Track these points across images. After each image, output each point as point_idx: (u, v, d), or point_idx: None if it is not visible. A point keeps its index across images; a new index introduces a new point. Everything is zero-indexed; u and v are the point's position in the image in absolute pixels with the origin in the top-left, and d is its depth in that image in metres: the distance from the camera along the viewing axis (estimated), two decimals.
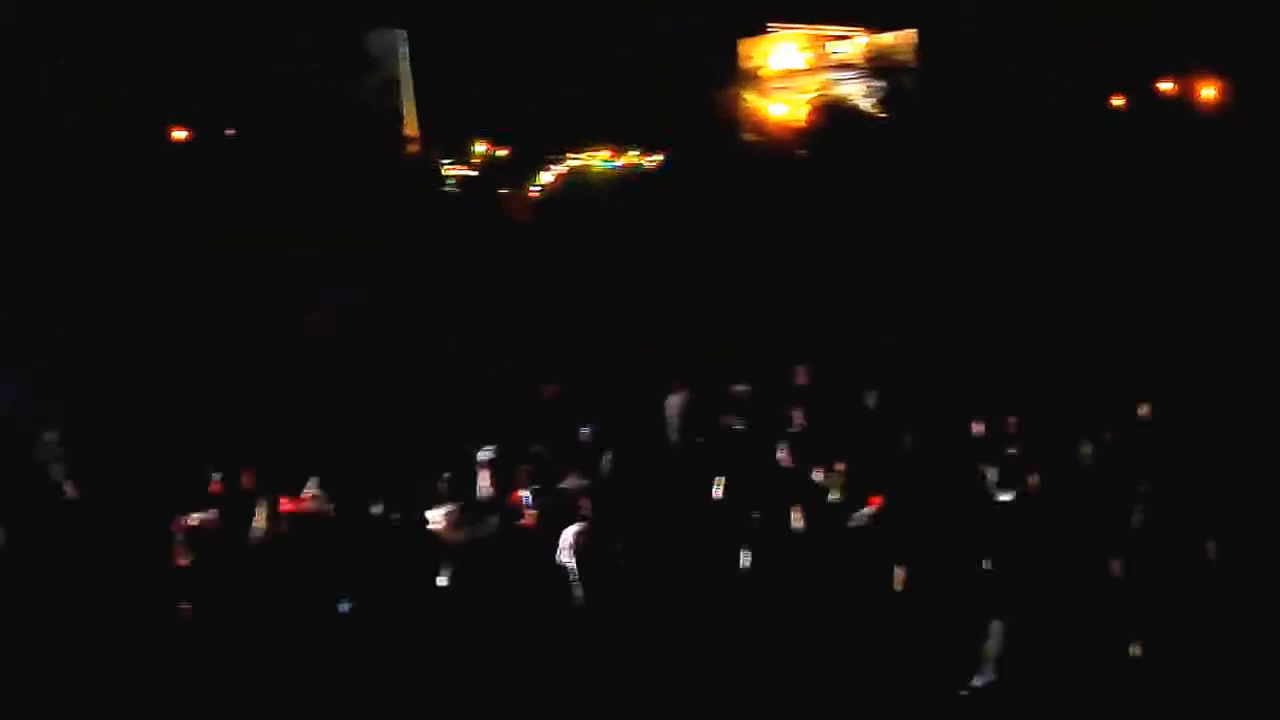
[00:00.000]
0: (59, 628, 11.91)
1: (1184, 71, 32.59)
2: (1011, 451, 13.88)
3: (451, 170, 41.67)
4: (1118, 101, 33.04)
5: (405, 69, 40.46)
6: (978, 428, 14.67)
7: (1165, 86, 32.41)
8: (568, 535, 12.25)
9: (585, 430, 16.36)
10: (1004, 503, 12.74)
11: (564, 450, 15.57)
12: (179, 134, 32.00)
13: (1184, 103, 32.50)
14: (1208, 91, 32.30)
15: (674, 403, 17.13)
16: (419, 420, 18.07)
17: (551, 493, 13.45)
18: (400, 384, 20.85)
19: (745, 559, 12.34)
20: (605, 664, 11.49)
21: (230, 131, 33.25)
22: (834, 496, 12.82)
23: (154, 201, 28.32)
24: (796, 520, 12.39)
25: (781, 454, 13.99)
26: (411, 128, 40.67)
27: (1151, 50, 31.78)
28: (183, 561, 12.20)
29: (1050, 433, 14.50)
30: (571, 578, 12.16)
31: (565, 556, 12.22)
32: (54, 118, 28.40)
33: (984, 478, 13.29)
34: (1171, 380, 16.29)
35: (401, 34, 40.12)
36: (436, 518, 12.73)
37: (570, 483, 13.59)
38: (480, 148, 42.34)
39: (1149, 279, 23.24)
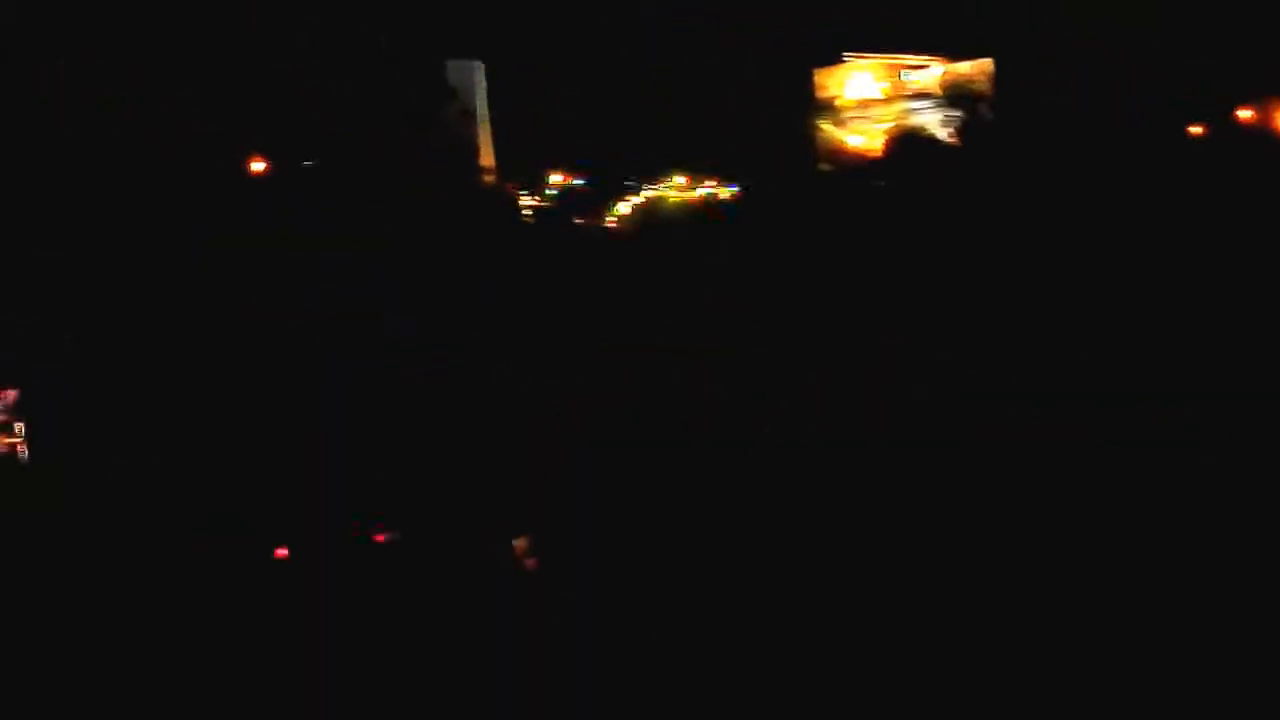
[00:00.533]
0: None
1: (1266, 99, 32.19)
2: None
3: (527, 201, 41.76)
4: (1196, 130, 32.63)
5: (482, 100, 40.64)
6: None
7: (1246, 114, 31.98)
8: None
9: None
10: None
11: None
12: (258, 165, 32.26)
13: (1267, 131, 32.07)
14: None
15: None
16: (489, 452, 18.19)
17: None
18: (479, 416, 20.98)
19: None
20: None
21: (308, 162, 33.47)
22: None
23: (236, 232, 28.56)
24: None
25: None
26: (488, 159, 40.84)
27: (1232, 78, 31.41)
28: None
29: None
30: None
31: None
32: (152, 153, 28.68)
33: None
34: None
35: (479, 65, 40.32)
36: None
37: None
38: (556, 178, 42.43)
39: (1232, 312, 22.95)
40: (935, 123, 39.64)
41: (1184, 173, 30.02)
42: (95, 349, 23.77)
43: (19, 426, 21.60)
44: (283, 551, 13.42)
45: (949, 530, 12.96)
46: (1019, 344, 23.02)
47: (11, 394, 21.80)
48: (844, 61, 41.73)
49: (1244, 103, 32.48)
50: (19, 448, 21.52)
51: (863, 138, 40.82)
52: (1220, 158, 30.82)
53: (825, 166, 40.41)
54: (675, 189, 42.79)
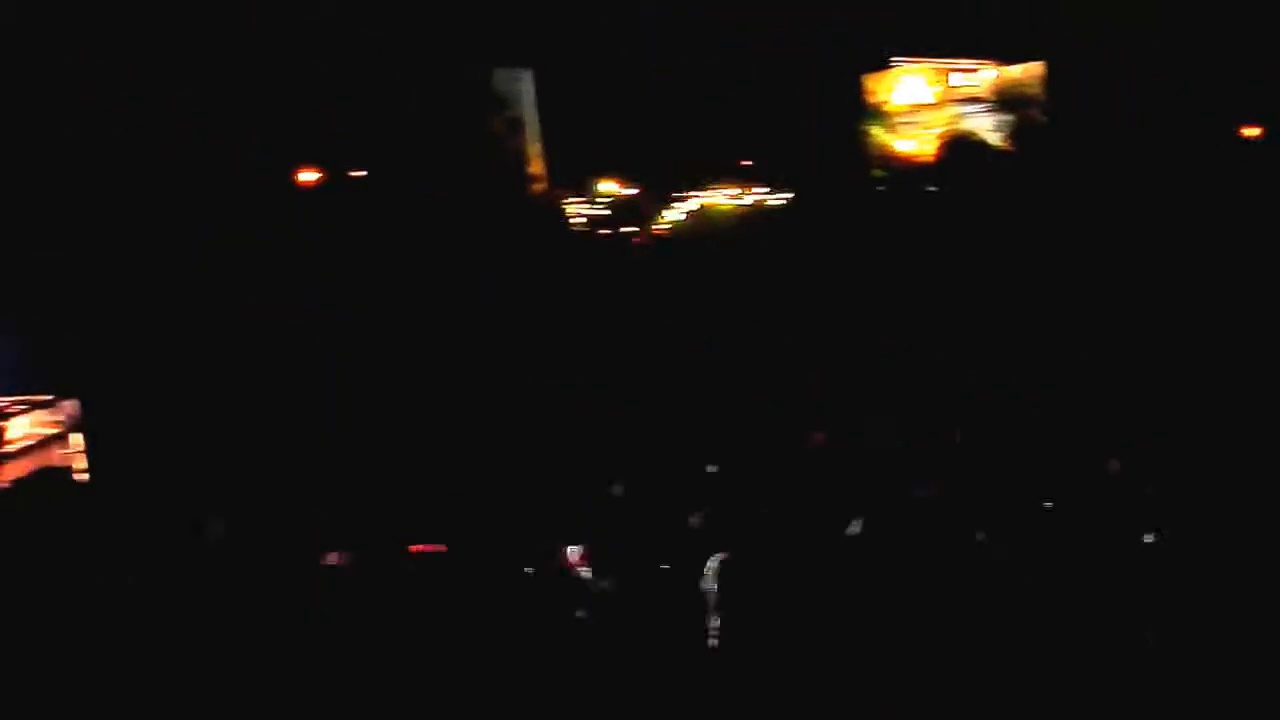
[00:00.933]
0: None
1: None
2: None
3: (577, 209, 41.81)
4: (1251, 132, 32.32)
5: (530, 108, 40.68)
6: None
7: None
8: (712, 563, 12.22)
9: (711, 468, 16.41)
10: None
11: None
12: (308, 175, 32.43)
13: None
14: None
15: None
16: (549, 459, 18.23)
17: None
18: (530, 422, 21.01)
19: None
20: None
21: (358, 172, 33.62)
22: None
23: (286, 243, 28.72)
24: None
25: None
26: (537, 167, 40.89)
27: None
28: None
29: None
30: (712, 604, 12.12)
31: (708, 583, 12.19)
32: (207, 164, 28.88)
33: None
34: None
35: (527, 73, 40.38)
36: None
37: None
38: (606, 186, 42.43)
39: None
40: (987, 127, 39.46)
41: (1237, 175, 29.76)
42: (155, 360, 23.94)
43: (75, 439, 21.64)
44: (334, 558, 13.40)
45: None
46: (1070, 351, 22.85)
47: (70, 405, 21.83)
48: (893, 66, 41.54)
49: None
50: (75, 460, 21.56)
51: (914, 143, 40.65)
52: (1274, 163, 30.52)
53: (876, 172, 40.29)
54: (726, 196, 42.78)
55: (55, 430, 21.55)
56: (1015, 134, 37.84)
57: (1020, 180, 34.18)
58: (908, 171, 39.67)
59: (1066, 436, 16.41)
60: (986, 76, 40.03)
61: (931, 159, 39.41)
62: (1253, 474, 13.76)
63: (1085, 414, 17.81)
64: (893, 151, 41.04)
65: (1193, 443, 15.34)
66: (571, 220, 41.28)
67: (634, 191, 42.27)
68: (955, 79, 40.60)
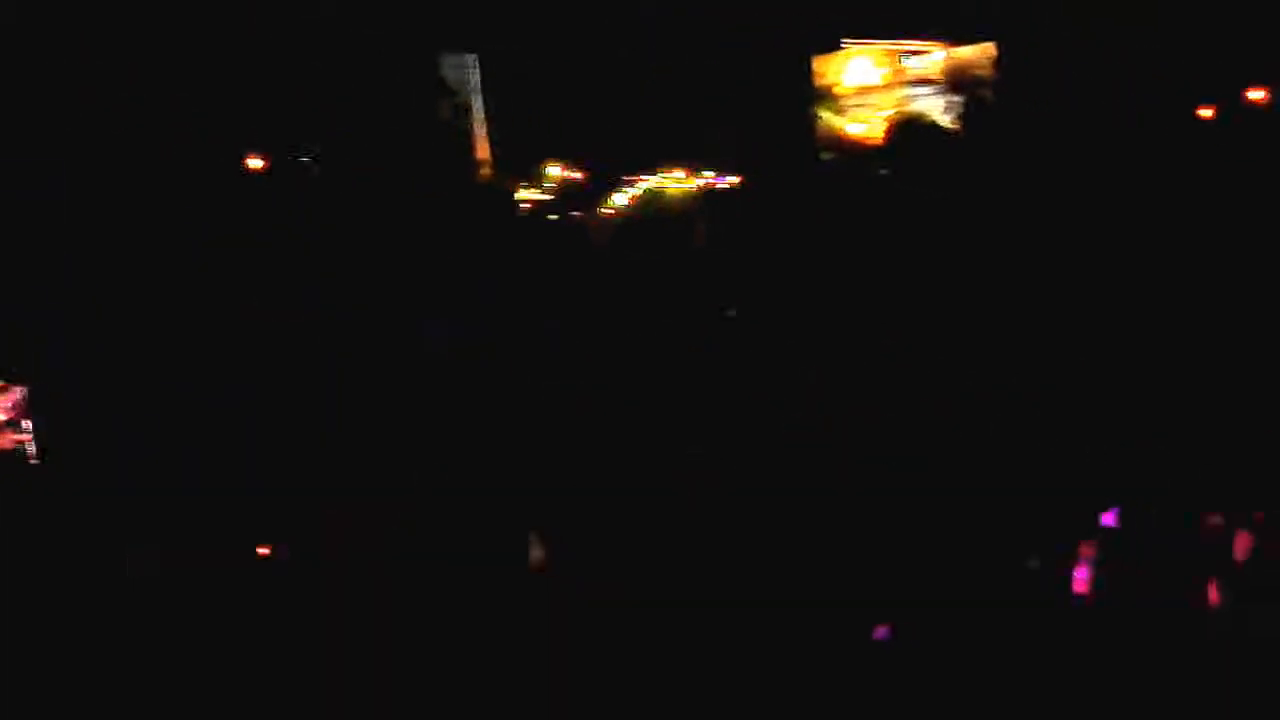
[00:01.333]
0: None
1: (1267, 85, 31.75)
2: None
3: (525, 194, 41.51)
4: (1205, 113, 32.24)
5: (476, 93, 40.36)
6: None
7: (1256, 96, 31.53)
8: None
9: None
10: None
11: None
12: (255, 161, 32.03)
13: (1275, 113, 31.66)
14: None
15: None
16: None
17: None
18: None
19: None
20: None
21: (304, 158, 33.28)
22: None
23: (231, 229, 28.41)
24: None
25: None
26: (483, 152, 40.58)
27: (1242, 59, 30.96)
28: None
29: None
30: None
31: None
32: (151, 148, 28.51)
33: None
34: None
35: (472, 58, 40.04)
36: None
37: None
38: (554, 170, 42.10)
39: (1237, 296, 22.72)
40: (937, 109, 39.27)
41: (1189, 159, 29.73)
42: (104, 345, 23.75)
43: (26, 424, 21.73)
44: (266, 550, 13.27)
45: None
46: (1021, 338, 22.78)
47: (19, 391, 21.92)
48: (843, 48, 41.29)
49: (1250, 86, 32.04)
50: (27, 444, 21.63)
51: (864, 125, 40.42)
52: (1227, 144, 30.49)
53: (826, 155, 40.05)
54: (674, 180, 42.49)
55: (7, 417, 21.65)
56: (965, 115, 37.67)
57: (971, 162, 34.05)
58: (857, 154, 39.47)
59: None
60: (936, 58, 39.85)
61: (881, 141, 39.20)
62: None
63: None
64: (842, 134, 40.81)
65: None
66: (519, 205, 41.00)
67: (581, 175, 42.00)
68: (906, 61, 40.41)
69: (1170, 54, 31.52)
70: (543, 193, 41.93)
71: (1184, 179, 28.34)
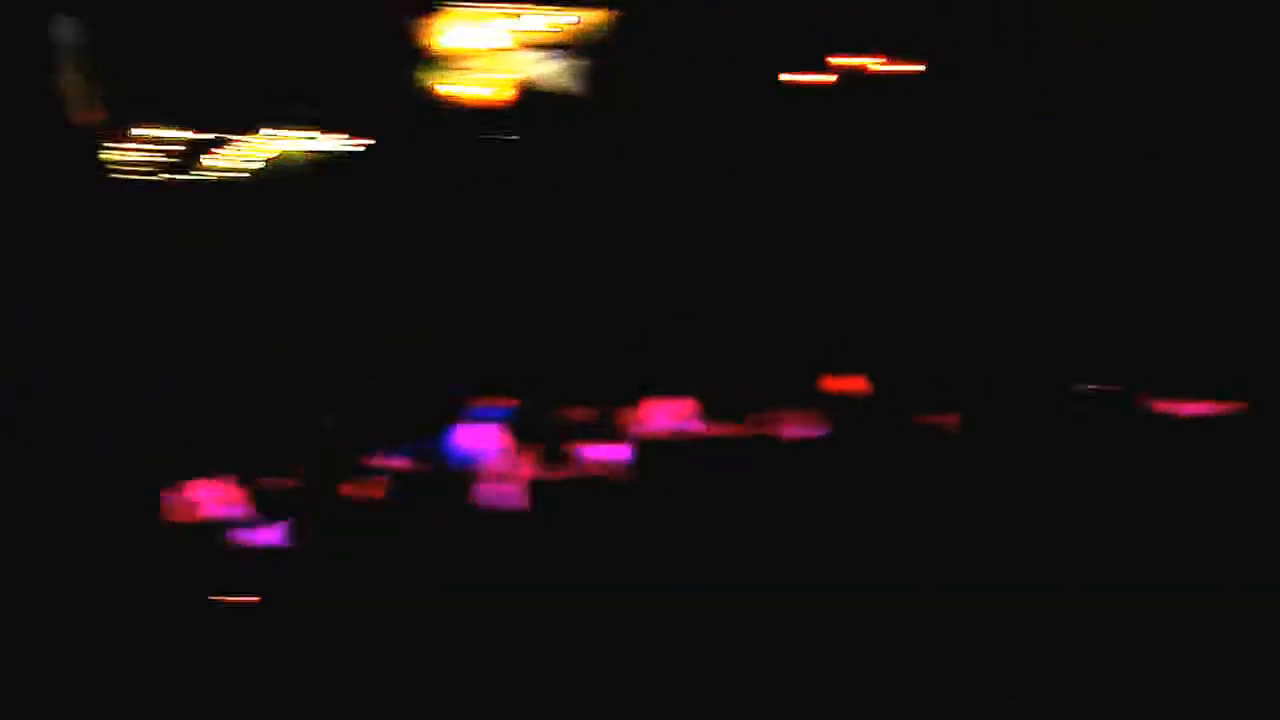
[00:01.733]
0: None
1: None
2: None
3: (125, 156, 39.65)
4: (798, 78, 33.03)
5: (73, 55, 38.21)
6: None
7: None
8: None
9: None
10: None
11: None
12: None
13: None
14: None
15: None
16: None
17: None
18: None
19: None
20: None
21: None
22: None
23: None
24: None
25: None
26: (80, 115, 38.50)
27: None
28: None
29: None
30: None
31: None
32: None
33: None
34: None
35: (71, 20, 37.88)
36: None
37: None
38: (162, 132, 40.36)
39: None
40: (558, 72, 39.54)
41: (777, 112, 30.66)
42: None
43: None
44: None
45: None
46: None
47: None
48: (447, 8, 41.05)
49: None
50: None
51: (479, 89, 40.31)
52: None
53: (445, 119, 39.77)
54: (297, 142, 41.43)
55: None
56: (586, 78, 38.10)
57: (595, 126, 34.47)
58: (474, 118, 39.36)
59: None
60: (558, 22, 40.10)
61: (502, 105, 39.22)
62: None
63: None
64: (456, 98, 40.56)
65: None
66: (120, 167, 39.13)
67: (189, 135, 40.41)
68: (524, 23, 40.46)
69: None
70: (146, 153, 40.19)
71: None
